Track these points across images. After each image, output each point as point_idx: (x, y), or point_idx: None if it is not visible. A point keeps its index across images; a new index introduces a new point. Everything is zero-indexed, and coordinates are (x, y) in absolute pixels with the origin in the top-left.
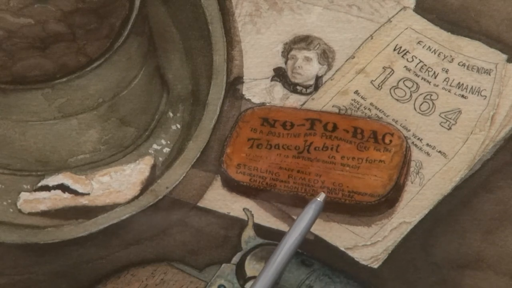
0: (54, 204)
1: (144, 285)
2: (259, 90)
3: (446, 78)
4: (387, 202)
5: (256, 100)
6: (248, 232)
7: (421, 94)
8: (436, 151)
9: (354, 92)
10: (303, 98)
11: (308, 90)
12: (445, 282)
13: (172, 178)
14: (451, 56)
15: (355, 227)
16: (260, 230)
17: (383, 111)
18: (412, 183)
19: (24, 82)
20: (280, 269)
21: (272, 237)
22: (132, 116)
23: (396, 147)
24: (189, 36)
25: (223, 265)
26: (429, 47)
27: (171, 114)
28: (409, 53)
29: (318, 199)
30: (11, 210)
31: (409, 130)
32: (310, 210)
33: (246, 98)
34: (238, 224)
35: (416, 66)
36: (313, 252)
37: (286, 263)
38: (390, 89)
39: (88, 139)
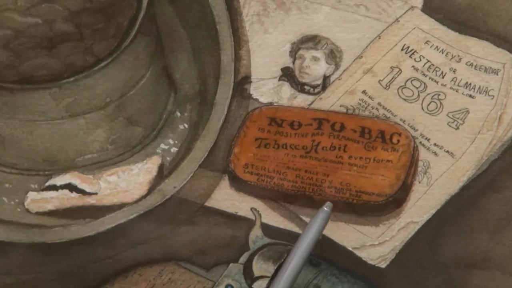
0: (62, 203)
1: (152, 284)
2: (266, 89)
3: (453, 78)
4: (395, 202)
5: (263, 99)
6: (256, 232)
7: (428, 94)
8: (444, 151)
9: (362, 92)
10: (310, 97)
11: (316, 90)
12: (452, 281)
13: (179, 178)
14: (458, 56)
15: (362, 227)
16: (267, 229)
17: (390, 111)
18: (419, 182)
19: (32, 81)
20: (291, 281)
21: (280, 236)
22: (139, 115)
23: (403, 147)
24: (196, 36)
25: (231, 264)
26: (437, 47)
27: (178, 114)
28: (417, 52)
29: (325, 208)
30: (19, 209)
31: (417, 130)
32: (318, 220)
33: (254, 97)
34: (246, 224)
35: (423, 66)
36: (320, 251)
37: (297, 274)
38: (398, 89)
39: (95, 139)
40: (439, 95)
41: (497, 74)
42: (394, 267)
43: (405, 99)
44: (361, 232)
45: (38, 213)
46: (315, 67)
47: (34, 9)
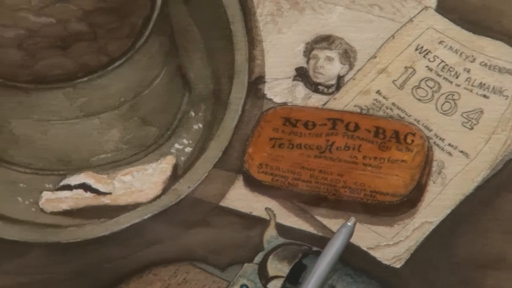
0: (76, 203)
1: (166, 284)
2: (281, 89)
3: (468, 78)
4: (409, 202)
5: (278, 99)
6: (270, 232)
7: (443, 94)
8: (458, 151)
9: (376, 92)
10: (324, 97)
11: (330, 90)
12: (467, 282)
13: (194, 178)
14: (472, 56)
15: (377, 227)
16: (282, 229)
17: (405, 111)
18: (434, 183)
19: (46, 81)
20: None
21: (294, 236)
22: (153, 115)
23: (418, 147)
24: (210, 36)
25: (245, 264)
26: (451, 47)
27: (193, 114)
28: (431, 53)
29: (349, 223)
30: (33, 209)
31: (431, 130)
32: (341, 235)
33: (268, 97)
34: (260, 224)
35: (437, 66)
36: None
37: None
38: (412, 89)
39: (109, 139)
40: (453, 95)
41: (511, 74)
42: (408, 267)
43: (419, 99)
44: (376, 232)
45: (53, 213)
46: (329, 67)
47: (48, 8)
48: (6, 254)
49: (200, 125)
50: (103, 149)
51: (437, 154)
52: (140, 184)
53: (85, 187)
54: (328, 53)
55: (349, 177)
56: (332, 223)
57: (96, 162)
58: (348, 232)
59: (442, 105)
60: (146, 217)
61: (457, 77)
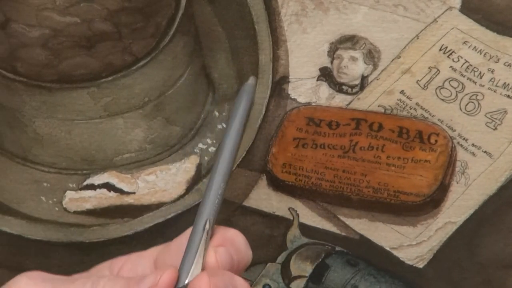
0: (100, 203)
1: None
2: (304, 89)
3: (491, 78)
4: (433, 202)
5: (301, 99)
6: (294, 232)
7: (466, 94)
8: (482, 151)
9: (400, 92)
10: (348, 97)
11: (354, 90)
12: (491, 282)
13: None
14: (497, 56)
15: (400, 227)
16: (305, 229)
17: (428, 111)
18: (457, 183)
19: (70, 81)
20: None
21: (318, 236)
22: (177, 115)
23: (441, 147)
24: (235, 35)
25: (268, 264)
26: (475, 47)
27: (216, 113)
28: (455, 53)
29: (249, 82)
30: (57, 208)
31: (455, 130)
32: (244, 94)
33: (292, 97)
34: (284, 224)
35: (461, 66)
36: (358, 251)
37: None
38: (436, 89)
39: (133, 138)
40: (477, 95)
41: None
42: (431, 267)
43: (443, 99)
44: (399, 232)
45: (76, 212)
46: (353, 67)
47: (72, 8)
48: (29, 253)
49: (224, 125)
50: (127, 148)
51: (461, 154)
52: (164, 183)
53: (109, 186)
54: (352, 53)
55: (372, 177)
56: (355, 223)
57: (120, 162)
58: (252, 91)
59: (466, 105)
60: (169, 216)
61: (481, 78)
